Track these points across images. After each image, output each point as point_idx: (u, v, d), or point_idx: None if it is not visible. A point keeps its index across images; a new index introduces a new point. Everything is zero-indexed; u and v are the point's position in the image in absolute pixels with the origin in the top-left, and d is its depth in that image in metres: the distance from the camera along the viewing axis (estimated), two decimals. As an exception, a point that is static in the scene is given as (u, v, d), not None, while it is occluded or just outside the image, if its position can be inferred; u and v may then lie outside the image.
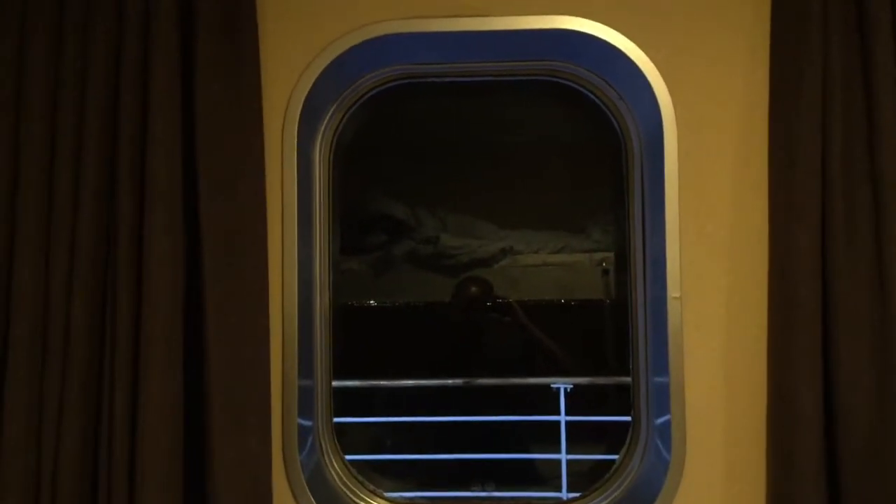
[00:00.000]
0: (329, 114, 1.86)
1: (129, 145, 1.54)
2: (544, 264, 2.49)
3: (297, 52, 1.70)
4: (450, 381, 2.47)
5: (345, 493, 1.84)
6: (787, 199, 1.55)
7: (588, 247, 2.45)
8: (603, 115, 1.90)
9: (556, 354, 2.34)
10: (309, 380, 1.78)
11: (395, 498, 1.90)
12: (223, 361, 1.53)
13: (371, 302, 2.54)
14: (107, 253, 1.56)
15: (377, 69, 1.85)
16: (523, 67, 1.89)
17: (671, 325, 1.66)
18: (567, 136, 2.34)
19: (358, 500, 1.85)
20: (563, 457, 2.45)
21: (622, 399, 1.97)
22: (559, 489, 2.43)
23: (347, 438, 2.08)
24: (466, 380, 2.45)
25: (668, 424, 1.68)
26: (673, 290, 1.67)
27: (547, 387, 2.49)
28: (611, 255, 2.37)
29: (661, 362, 1.72)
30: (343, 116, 1.89)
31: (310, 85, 1.70)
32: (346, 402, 2.18)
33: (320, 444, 1.83)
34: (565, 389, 2.49)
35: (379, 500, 1.87)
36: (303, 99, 1.70)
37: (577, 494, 1.91)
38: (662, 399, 1.71)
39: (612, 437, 2.13)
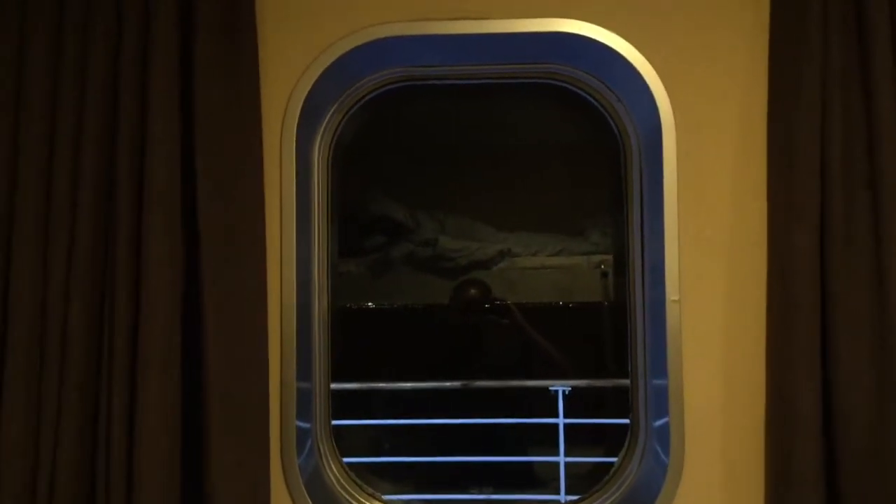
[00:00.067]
0: (328, 115, 1.86)
1: (128, 145, 1.54)
2: (543, 267, 2.49)
3: (296, 54, 1.70)
4: (448, 384, 2.46)
5: (343, 495, 1.84)
6: (787, 199, 1.55)
7: (587, 249, 2.45)
8: (601, 118, 1.90)
9: (554, 357, 2.33)
10: (307, 382, 1.77)
11: (394, 501, 1.90)
12: (221, 363, 1.53)
13: (369, 304, 2.54)
14: (105, 253, 1.55)
15: (377, 71, 1.85)
16: (522, 70, 1.89)
17: (670, 327, 1.66)
18: (566, 139, 2.34)
19: (356, 503, 1.84)
20: (562, 459, 2.43)
21: (621, 402, 1.97)
22: (557, 492, 2.42)
23: (345, 441, 2.07)
24: (465, 382, 2.44)
25: (666, 427, 1.67)
26: (672, 293, 1.67)
27: (545, 389, 2.48)
28: (609, 257, 2.36)
29: (659, 365, 1.71)
30: (342, 118, 1.88)
31: (309, 86, 1.70)
32: (344, 404, 2.18)
33: (318, 447, 1.82)
34: (564, 392, 2.48)
35: (377, 502, 1.86)
36: (302, 100, 1.70)
37: (575, 497, 1.91)
38: (661, 401, 1.71)
39: (611, 440, 2.13)
